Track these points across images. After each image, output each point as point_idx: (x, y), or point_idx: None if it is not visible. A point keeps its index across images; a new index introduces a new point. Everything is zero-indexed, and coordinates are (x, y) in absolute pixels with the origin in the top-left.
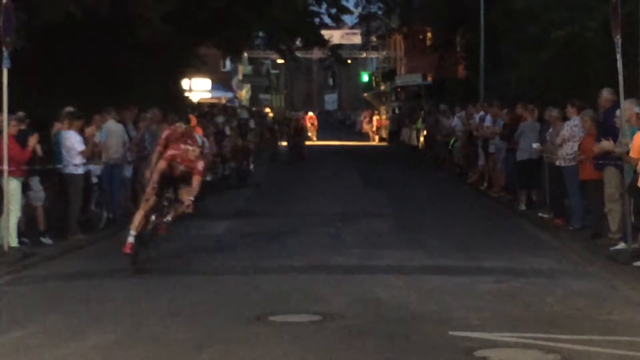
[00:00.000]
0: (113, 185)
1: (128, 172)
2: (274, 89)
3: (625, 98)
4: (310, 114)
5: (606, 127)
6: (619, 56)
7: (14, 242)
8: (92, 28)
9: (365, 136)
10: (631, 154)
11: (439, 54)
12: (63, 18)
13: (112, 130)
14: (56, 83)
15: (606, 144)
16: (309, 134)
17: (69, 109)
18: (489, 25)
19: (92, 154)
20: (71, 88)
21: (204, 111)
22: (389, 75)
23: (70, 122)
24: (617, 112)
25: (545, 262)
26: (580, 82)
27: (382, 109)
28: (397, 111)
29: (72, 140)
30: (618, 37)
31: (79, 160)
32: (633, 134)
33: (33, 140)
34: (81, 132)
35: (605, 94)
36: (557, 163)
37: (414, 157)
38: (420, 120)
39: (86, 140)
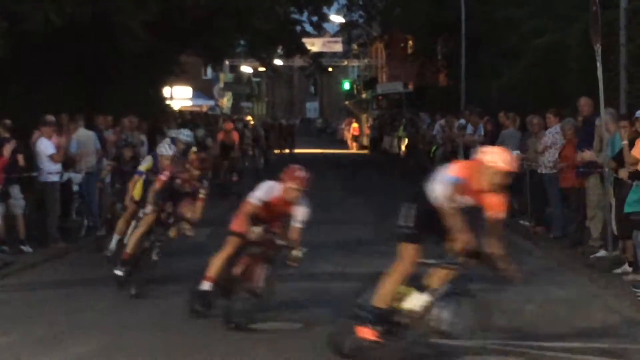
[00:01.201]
0: (91, 193)
1: (107, 178)
2: (255, 97)
3: (605, 106)
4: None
5: (586, 135)
6: (599, 65)
7: None
8: (73, 36)
9: (346, 144)
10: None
11: (420, 62)
12: (44, 26)
13: (82, 140)
14: (37, 91)
15: (588, 155)
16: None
17: (49, 117)
18: (470, 34)
19: (66, 160)
20: (52, 96)
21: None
22: (370, 83)
23: (41, 129)
24: (597, 121)
25: (525, 269)
26: (560, 91)
27: (364, 117)
28: (378, 119)
29: (42, 147)
30: (598, 45)
31: (50, 166)
32: (613, 143)
33: (8, 149)
34: (59, 136)
35: (584, 102)
36: (539, 171)
37: (396, 165)
38: (401, 128)
39: (58, 148)
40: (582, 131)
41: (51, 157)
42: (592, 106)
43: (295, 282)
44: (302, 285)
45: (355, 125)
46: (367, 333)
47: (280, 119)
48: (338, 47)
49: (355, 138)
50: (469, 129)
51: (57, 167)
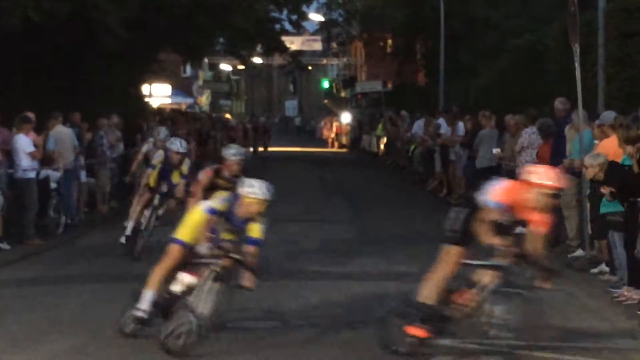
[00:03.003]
0: (68, 190)
1: (83, 176)
2: (234, 95)
3: (583, 106)
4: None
5: (561, 136)
6: (577, 64)
7: None
8: (51, 33)
9: (325, 142)
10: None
11: (399, 61)
12: (21, 22)
13: (60, 137)
14: (15, 88)
15: (577, 163)
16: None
17: (28, 114)
18: (449, 33)
19: (44, 157)
20: (31, 93)
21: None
22: (349, 81)
23: (19, 126)
24: (567, 126)
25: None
26: (538, 91)
27: (343, 115)
28: (357, 118)
29: (21, 143)
30: (576, 45)
31: (28, 163)
32: (586, 142)
33: None
34: (38, 133)
35: (558, 104)
36: (516, 171)
37: (374, 164)
38: (380, 127)
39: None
40: (558, 132)
41: (31, 154)
42: (565, 106)
43: (275, 281)
44: (280, 283)
45: (336, 124)
46: (417, 331)
47: (260, 117)
48: (317, 46)
49: (336, 136)
50: (443, 128)
51: (34, 163)
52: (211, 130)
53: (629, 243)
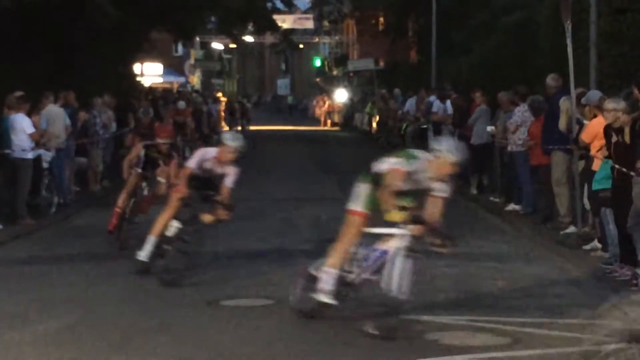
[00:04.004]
0: (61, 170)
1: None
2: (226, 74)
3: (575, 84)
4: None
5: (553, 113)
6: (569, 41)
7: None
8: (42, 12)
9: (317, 121)
10: (583, 138)
11: (391, 38)
12: (12, 1)
13: (52, 116)
14: (6, 67)
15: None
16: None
17: (18, 93)
18: (441, 10)
19: (39, 138)
20: (22, 72)
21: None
22: (341, 60)
23: (18, 106)
24: (561, 100)
25: (495, 246)
26: (531, 68)
27: (335, 93)
28: (349, 96)
29: (21, 124)
30: (568, 22)
31: (28, 143)
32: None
33: None
34: (29, 115)
35: (549, 81)
36: (509, 148)
37: (367, 142)
38: (369, 105)
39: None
40: (549, 109)
41: (31, 135)
42: (557, 83)
43: (266, 258)
44: (273, 261)
45: (329, 102)
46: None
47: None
48: (309, 24)
49: (329, 115)
50: (435, 106)
51: (31, 144)
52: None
53: (619, 217)
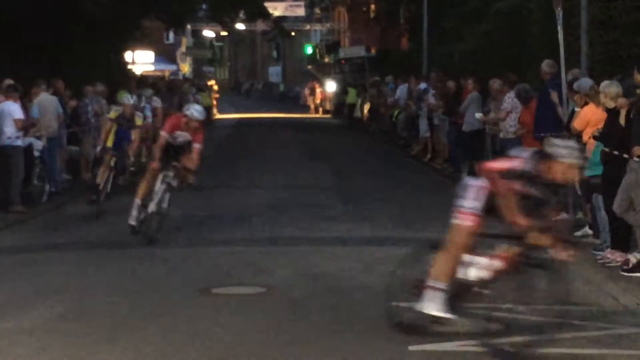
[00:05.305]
0: (53, 158)
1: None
2: (217, 62)
3: (566, 70)
4: None
5: (545, 100)
6: (560, 28)
7: None
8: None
9: (309, 109)
10: (575, 125)
11: (383, 26)
12: None
13: (44, 105)
14: None
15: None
16: None
17: (8, 81)
18: None
19: (28, 127)
20: (13, 59)
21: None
22: (332, 47)
23: (8, 94)
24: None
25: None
26: (522, 54)
27: (326, 81)
28: (341, 83)
29: (9, 110)
30: (559, 9)
31: (13, 130)
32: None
33: None
34: (22, 101)
35: (545, 67)
36: (500, 135)
37: (358, 130)
38: (352, 93)
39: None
40: (542, 96)
41: (16, 121)
42: (552, 69)
43: (258, 246)
44: (265, 249)
45: (320, 89)
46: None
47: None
48: (300, 11)
49: (320, 102)
50: (430, 92)
51: (18, 132)
52: None
53: (610, 204)
